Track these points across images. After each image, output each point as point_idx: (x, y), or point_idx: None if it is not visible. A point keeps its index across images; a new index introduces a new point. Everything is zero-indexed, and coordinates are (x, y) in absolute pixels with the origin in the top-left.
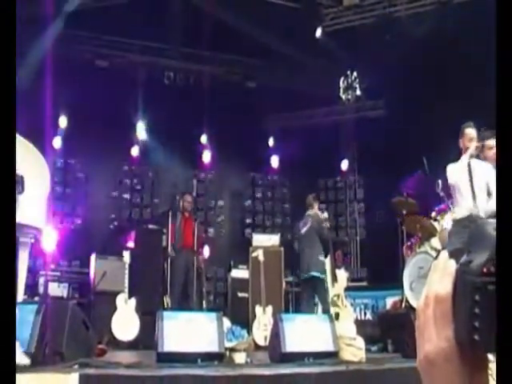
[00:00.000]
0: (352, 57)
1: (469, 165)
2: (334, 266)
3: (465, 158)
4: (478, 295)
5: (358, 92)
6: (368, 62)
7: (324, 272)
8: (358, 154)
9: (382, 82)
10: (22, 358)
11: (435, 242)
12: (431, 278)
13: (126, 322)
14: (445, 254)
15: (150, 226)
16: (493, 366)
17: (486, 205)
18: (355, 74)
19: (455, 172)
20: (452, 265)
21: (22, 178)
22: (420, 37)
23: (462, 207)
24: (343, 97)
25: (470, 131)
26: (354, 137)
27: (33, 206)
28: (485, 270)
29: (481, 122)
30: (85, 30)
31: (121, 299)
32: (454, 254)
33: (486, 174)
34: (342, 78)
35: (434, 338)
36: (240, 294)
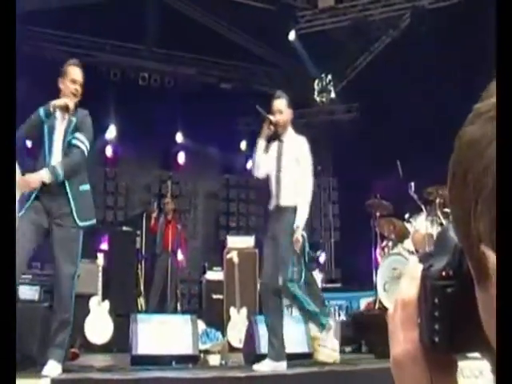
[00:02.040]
0: (327, 59)
1: (279, 152)
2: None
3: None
4: (438, 298)
5: (333, 95)
6: (343, 64)
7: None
8: (332, 156)
9: (357, 84)
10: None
11: (408, 243)
12: (401, 283)
13: (99, 325)
14: (415, 258)
15: (124, 228)
16: (465, 365)
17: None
18: (329, 76)
19: (264, 160)
20: (419, 269)
21: None
22: (394, 40)
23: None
24: (317, 99)
25: (279, 103)
26: (329, 139)
27: None
28: (443, 273)
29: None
30: (58, 29)
31: (94, 302)
32: (423, 259)
33: (294, 150)
34: (316, 81)
35: (401, 341)
36: (214, 296)
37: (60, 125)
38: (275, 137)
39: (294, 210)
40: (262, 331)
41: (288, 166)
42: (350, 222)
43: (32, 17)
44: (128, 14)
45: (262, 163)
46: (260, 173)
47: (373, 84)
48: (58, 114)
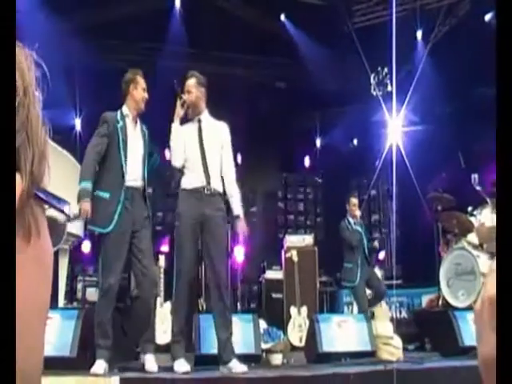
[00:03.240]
0: (383, 52)
1: (199, 130)
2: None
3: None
4: None
5: (389, 88)
6: (399, 56)
7: None
8: (391, 151)
9: (413, 76)
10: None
11: (472, 237)
12: (486, 281)
13: (162, 326)
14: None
15: None
16: None
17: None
18: (386, 69)
19: (183, 146)
20: None
21: (69, 204)
22: (452, 29)
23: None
24: (374, 93)
25: (187, 82)
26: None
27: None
28: None
29: None
30: (118, 39)
31: (157, 303)
32: None
33: (219, 134)
34: (372, 75)
35: (489, 339)
36: (274, 295)
37: (133, 133)
38: (188, 120)
39: (222, 195)
40: (324, 330)
41: (213, 150)
42: (411, 217)
43: (94, 30)
44: (182, 19)
45: (180, 151)
46: (179, 163)
47: (432, 74)
48: (128, 120)
